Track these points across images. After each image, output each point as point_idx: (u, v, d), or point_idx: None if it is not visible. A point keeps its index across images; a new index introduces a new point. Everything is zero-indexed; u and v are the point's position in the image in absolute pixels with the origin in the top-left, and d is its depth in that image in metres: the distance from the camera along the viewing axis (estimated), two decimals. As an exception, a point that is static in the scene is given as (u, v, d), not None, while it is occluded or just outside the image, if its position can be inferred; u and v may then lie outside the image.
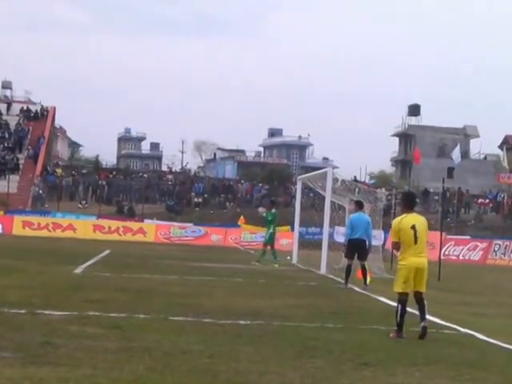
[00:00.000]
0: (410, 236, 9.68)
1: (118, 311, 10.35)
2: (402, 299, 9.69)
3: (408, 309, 9.68)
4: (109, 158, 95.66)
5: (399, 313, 9.59)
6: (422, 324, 9.60)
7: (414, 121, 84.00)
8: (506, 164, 56.08)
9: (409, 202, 10.17)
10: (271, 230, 24.12)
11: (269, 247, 24.29)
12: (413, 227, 9.70)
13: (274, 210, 24.72)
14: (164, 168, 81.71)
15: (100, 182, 50.05)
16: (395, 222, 9.93)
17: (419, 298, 9.82)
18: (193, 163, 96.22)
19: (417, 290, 9.79)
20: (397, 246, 9.87)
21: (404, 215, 9.91)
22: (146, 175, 56.53)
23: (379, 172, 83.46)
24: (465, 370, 7.63)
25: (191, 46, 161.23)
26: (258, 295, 13.98)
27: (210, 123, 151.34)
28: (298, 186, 28.37)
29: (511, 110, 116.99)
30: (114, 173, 55.64)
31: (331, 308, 12.44)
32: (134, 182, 51.64)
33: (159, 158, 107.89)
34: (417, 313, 9.83)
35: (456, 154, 42.51)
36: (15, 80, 72.37)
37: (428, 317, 9.86)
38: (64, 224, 39.08)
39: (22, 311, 9.84)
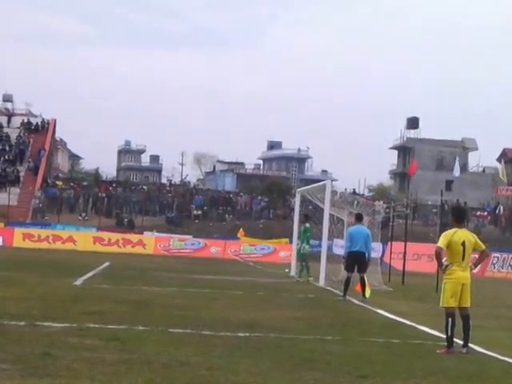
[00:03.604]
0: (459, 252, 9.77)
1: (117, 323, 10.37)
2: (451, 312, 9.76)
3: (409, 322, 9.69)
4: (109, 170, 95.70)
5: (449, 326, 9.65)
6: (464, 350, 9.62)
7: (412, 134, 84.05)
8: (504, 177, 56.07)
9: (459, 217, 10.15)
10: (304, 244, 23.15)
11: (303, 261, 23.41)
12: (463, 244, 9.79)
13: (307, 225, 23.50)
14: (164, 180, 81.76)
15: (100, 195, 50.07)
16: (449, 233, 9.89)
17: (465, 315, 9.86)
18: (192, 176, 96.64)
19: (463, 306, 9.84)
20: (441, 253, 9.86)
21: (455, 229, 9.90)
22: (145, 187, 56.53)
23: (378, 185, 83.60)
24: (463, 382, 7.65)
25: (190, 58, 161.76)
26: (257, 307, 14.00)
27: (209, 136, 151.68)
28: (297, 199, 28.37)
29: (510, 123, 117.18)
30: (114, 185, 55.60)
31: (329, 320, 12.47)
32: (133, 195, 51.61)
33: (159, 171, 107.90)
34: (422, 328, 9.87)
35: (456, 167, 42.80)
36: (16, 93, 72.30)
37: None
38: (64, 236, 39.11)
39: (22, 323, 9.86)
